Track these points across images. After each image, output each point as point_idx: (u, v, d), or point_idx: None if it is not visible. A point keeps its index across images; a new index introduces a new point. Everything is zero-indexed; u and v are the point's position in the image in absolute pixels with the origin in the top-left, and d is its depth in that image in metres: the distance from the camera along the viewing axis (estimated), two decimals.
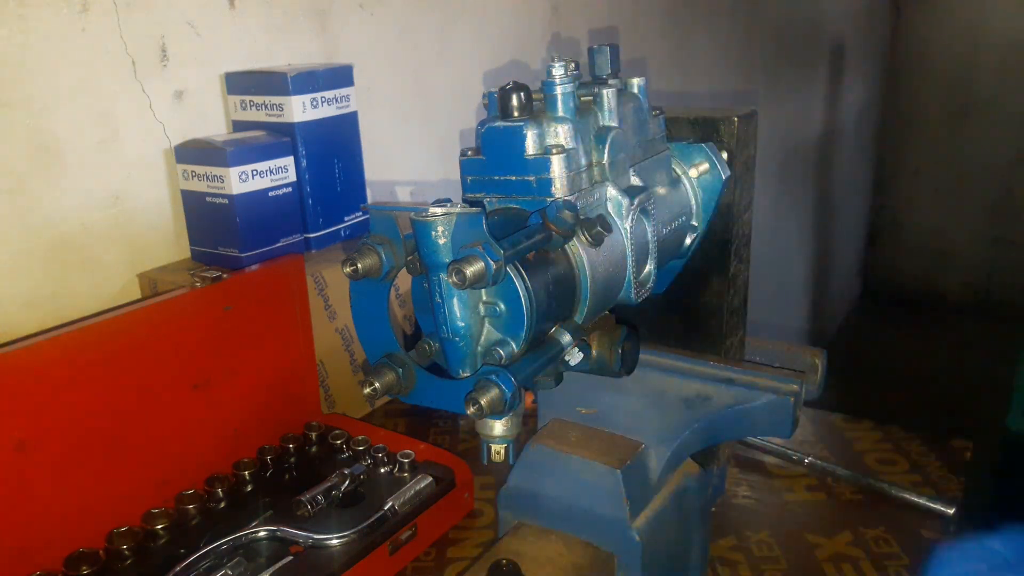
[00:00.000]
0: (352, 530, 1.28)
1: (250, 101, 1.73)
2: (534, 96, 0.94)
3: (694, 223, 1.17)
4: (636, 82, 1.08)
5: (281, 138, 1.67)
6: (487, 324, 0.86)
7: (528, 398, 1.03)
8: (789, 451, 1.58)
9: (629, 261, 0.98)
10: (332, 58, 2.01)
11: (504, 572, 1.04)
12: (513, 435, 0.89)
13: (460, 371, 0.87)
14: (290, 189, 1.69)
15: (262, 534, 1.28)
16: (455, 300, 0.84)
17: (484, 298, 0.85)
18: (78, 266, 1.56)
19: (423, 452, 1.49)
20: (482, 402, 0.81)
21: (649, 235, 1.01)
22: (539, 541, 1.13)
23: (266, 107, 1.70)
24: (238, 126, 1.76)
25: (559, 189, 0.91)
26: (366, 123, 1.89)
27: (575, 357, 0.92)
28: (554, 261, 0.90)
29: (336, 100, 1.76)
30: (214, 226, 1.64)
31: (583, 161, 0.94)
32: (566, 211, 0.86)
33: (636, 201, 0.97)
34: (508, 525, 1.18)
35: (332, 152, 1.78)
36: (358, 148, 1.85)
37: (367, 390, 0.93)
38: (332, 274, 1.67)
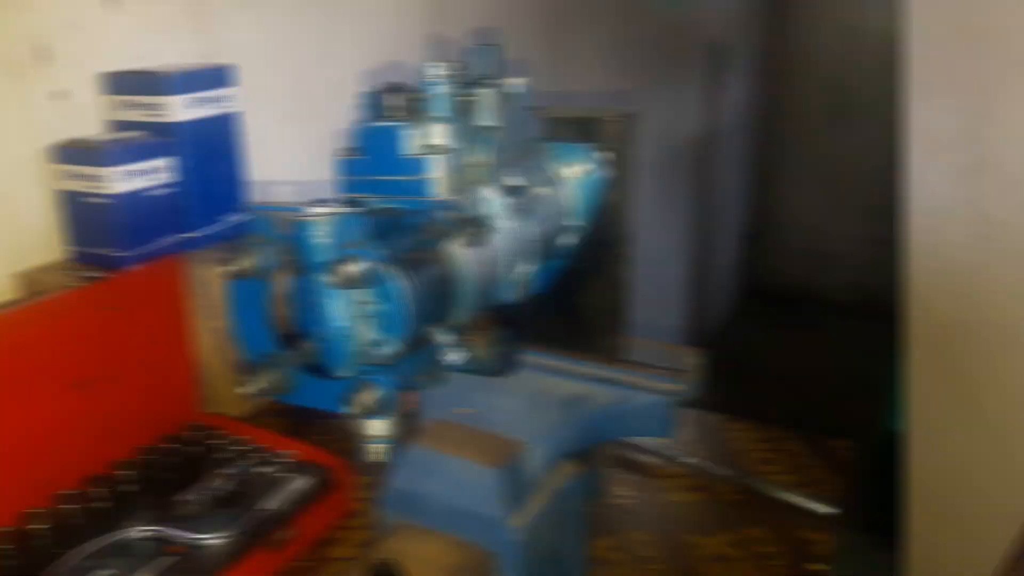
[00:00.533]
0: (232, 530, 1.27)
1: (129, 101, 1.69)
2: (413, 97, 0.95)
3: (575, 223, 1.18)
4: (517, 82, 1.09)
5: (160, 138, 1.64)
6: (366, 324, 0.86)
7: (409, 398, 1.04)
8: (670, 451, 1.60)
9: (508, 261, 0.99)
10: (214, 58, 1.98)
11: (384, 572, 1.04)
12: (392, 435, 0.90)
13: (339, 371, 0.87)
14: (170, 189, 1.66)
15: (141, 534, 1.26)
16: (334, 300, 0.84)
17: (363, 298, 0.85)
18: None
19: (303, 452, 1.48)
20: (361, 402, 0.82)
21: (529, 235, 1.02)
22: (419, 541, 1.13)
23: (145, 107, 1.67)
24: (117, 126, 1.72)
25: (438, 189, 0.91)
26: (248, 123, 1.88)
27: (454, 357, 0.93)
28: (433, 261, 0.91)
29: (217, 100, 1.74)
30: (93, 226, 1.61)
31: (462, 161, 0.95)
32: (445, 211, 0.87)
33: (516, 201, 0.98)
34: (388, 526, 1.18)
35: (213, 152, 1.75)
36: (239, 148, 1.83)
37: (247, 390, 0.93)
38: (213, 274, 1.64)
